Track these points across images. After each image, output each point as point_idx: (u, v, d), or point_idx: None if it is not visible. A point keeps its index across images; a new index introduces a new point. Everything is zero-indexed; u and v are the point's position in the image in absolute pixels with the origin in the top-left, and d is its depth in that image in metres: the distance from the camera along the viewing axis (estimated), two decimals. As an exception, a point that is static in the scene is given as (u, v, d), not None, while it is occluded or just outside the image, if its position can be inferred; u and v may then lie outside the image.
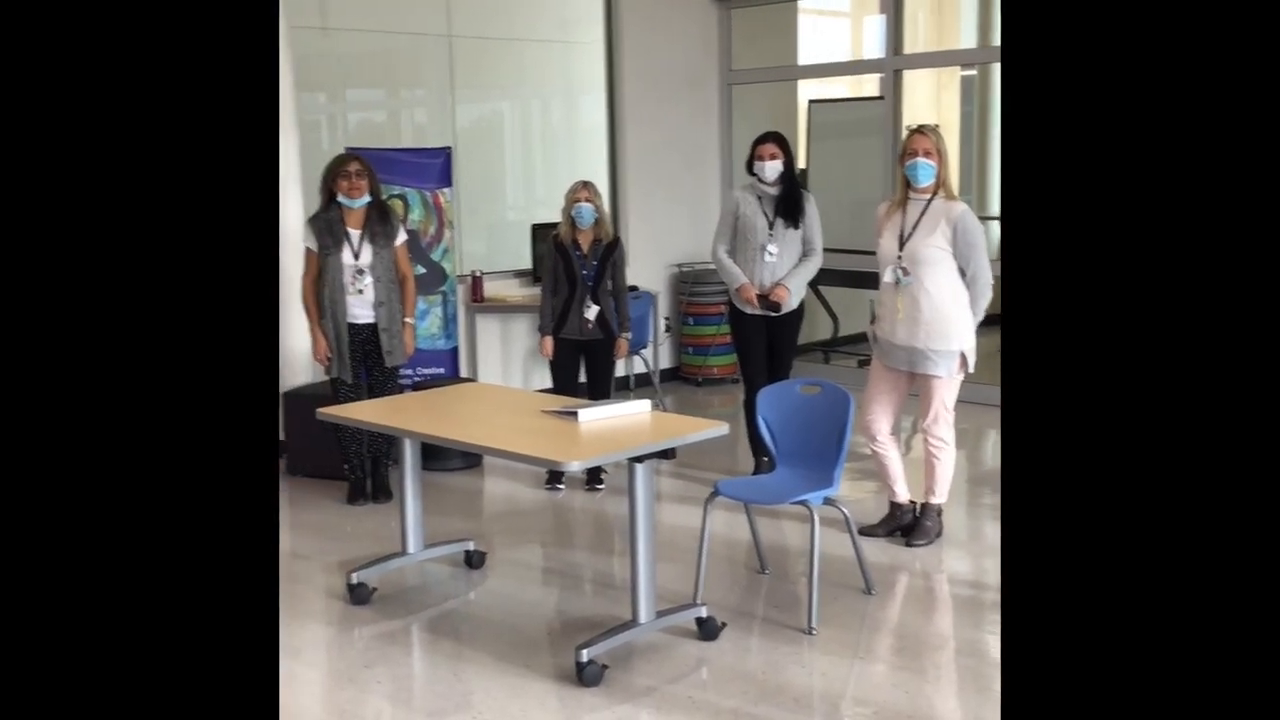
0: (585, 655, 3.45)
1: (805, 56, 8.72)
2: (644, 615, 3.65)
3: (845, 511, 4.03)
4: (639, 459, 3.56)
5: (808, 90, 8.67)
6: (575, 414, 3.86)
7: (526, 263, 7.30)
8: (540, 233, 6.89)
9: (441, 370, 6.53)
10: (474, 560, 4.53)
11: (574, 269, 5.40)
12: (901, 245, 4.42)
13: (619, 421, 3.84)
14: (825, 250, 5.46)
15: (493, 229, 7.88)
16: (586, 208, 5.35)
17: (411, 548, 4.41)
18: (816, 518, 3.84)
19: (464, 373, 6.80)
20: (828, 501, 3.92)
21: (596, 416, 3.85)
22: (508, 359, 7.35)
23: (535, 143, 8.45)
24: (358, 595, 4.18)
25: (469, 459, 5.97)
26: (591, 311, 5.41)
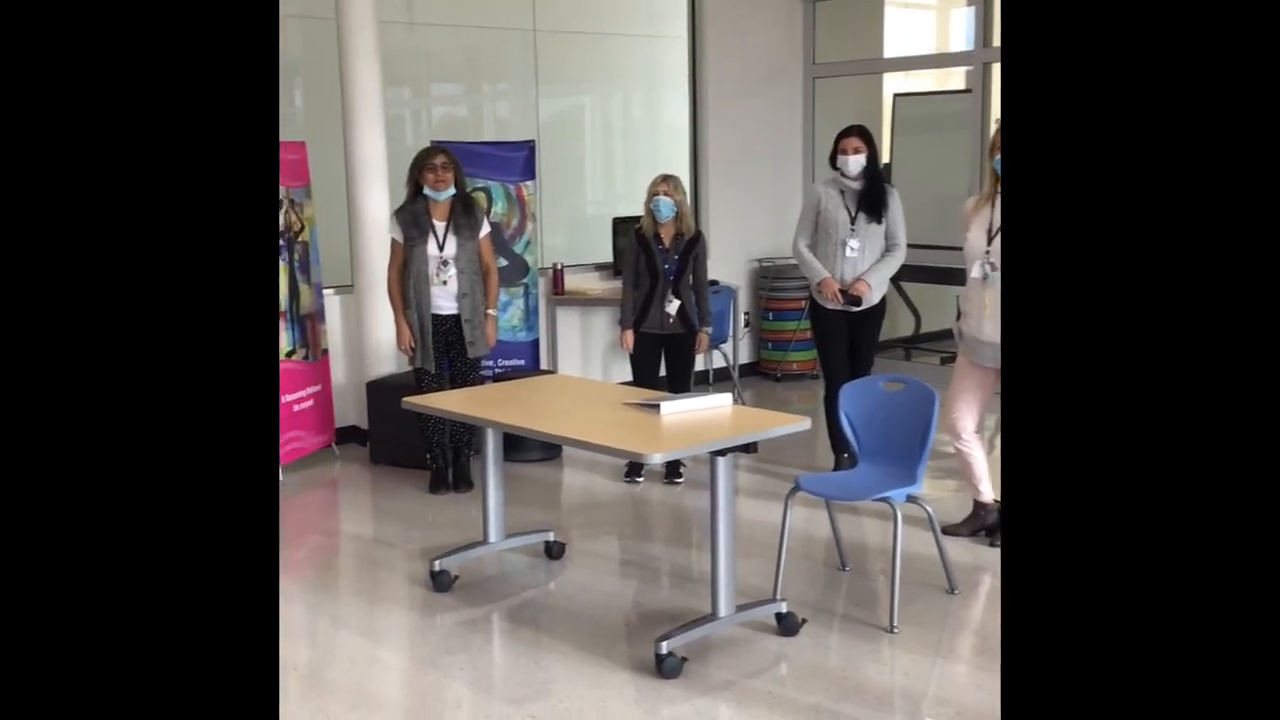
0: (665, 647, 3.46)
1: (891, 49, 8.63)
2: (724, 609, 3.65)
3: (929, 509, 3.99)
4: (720, 452, 3.56)
5: (893, 84, 8.57)
6: (657, 407, 3.86)
7: (607, 256, 7.32)
8: (621, 226, 6.92)
9: (522, 362, 6.58)
10: (554, 551, 4.56)
11: (655, 263, 5.41)
12: (990, 240, 4.36)
13: (701, 415, 3.83)
14: (908, 245, 5.40)
15: (573, 222, 7.92)
16: (665, 201, 5.35)
17: (493, 537, 4.45)
18: (899, 515, 3.80)
19: (544, 365, 6.84)
20: (910, 499, 3.88)
21: (678, 409, 3.85)
22: (587, 351, 7.39)
23: (616, 137, 8.47)
24: (440, 582, 4.23)
25: (548, 450, 6.01)
26: (672, 306, 5.41)
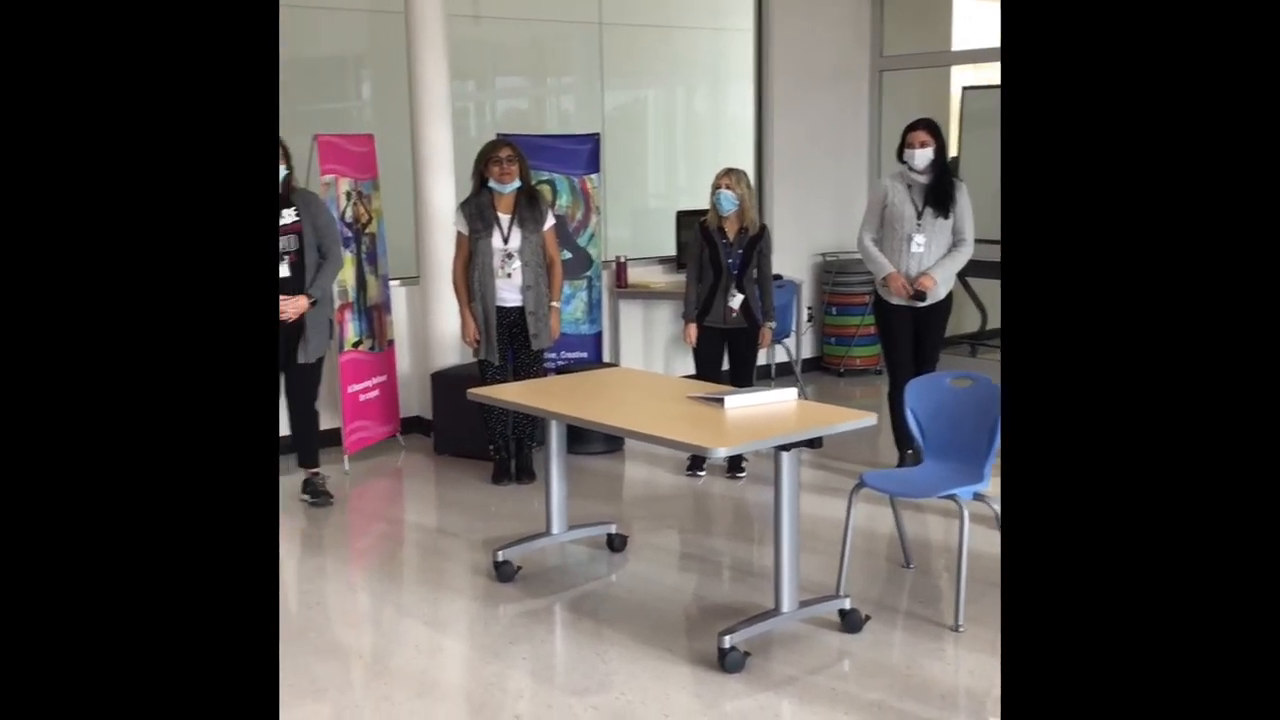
0: (728, 641, 3.46)
1: (959, 42, 8.52)
2: (786, 604, 3.63)
3: (995, 508, 3.94)
4: (786, 447, 3.54)
5: (961, 77, 8.47)
6: (721, 401, 3.85)
7: (670, 249, 7.32)
8: (685, 220, 6.91)
9: (585, 355, 6.60)
10: (615, 543, 4.57)
11: (719, 257, 5.39)
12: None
13: (765, 409, 3.82)
14: (975, 240, 5.33)
15: (636, 216, 7.93)
16: (727, 195, 5.33)
17: (555, 528, 4.47)
18: (966, 513, 3.76)
19: (606, 357, 6.86)
20: (977, 497, 3.83)
21: (743, 404, 3.84)
22: (650, 345, 7.39)
23: (679, 130, 8.46)
24: (503, 573, 4.26)
25: (610, 443, 6.03)
26: (736, 300, 5.39)
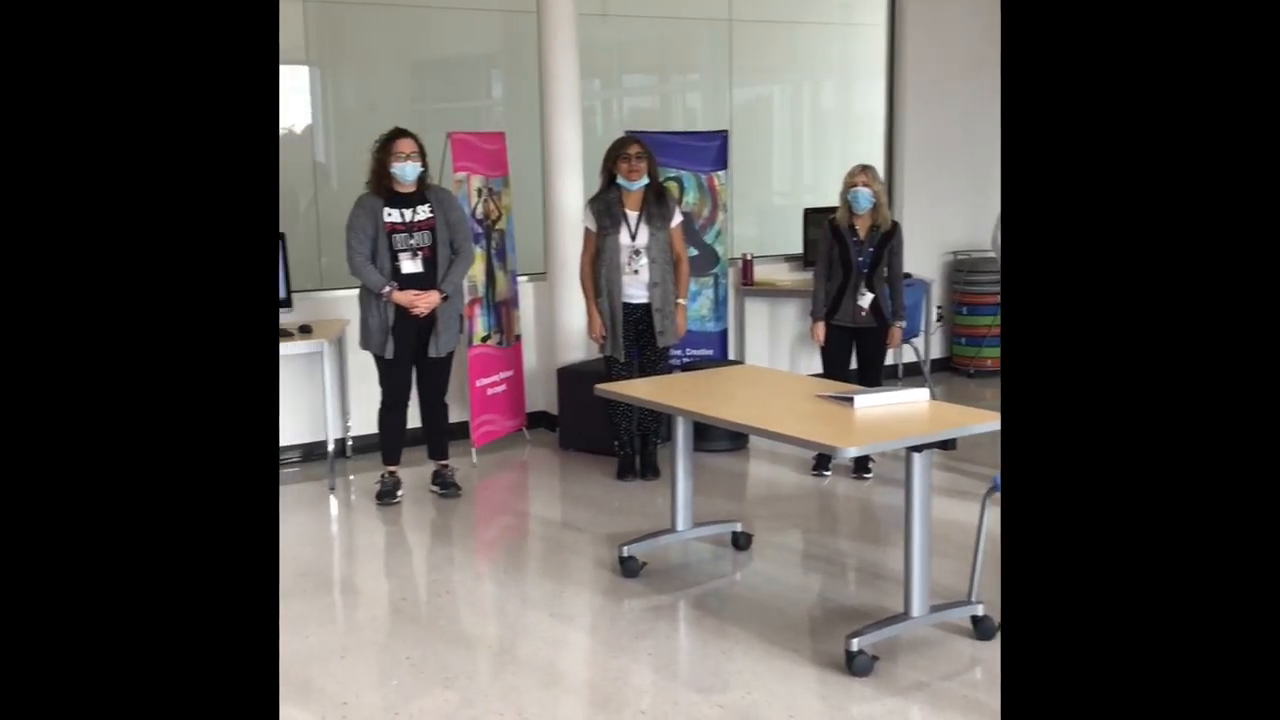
0: (855, 644, 3.40)
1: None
2: (917, 609, 3.56)
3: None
4: (918, 448, 3.47)
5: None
6: (851, 400, 3.80)
7: (796, 247, 7.25)
8: (813, 217, 6.83)
9: (710, 352, 6.59)
10: (741, 542, 4.55)
11: (849, 255, 5.32)
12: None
13: (896, 409, 3.75)
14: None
15: (761, 213, 7.88)
16: (864, 192, 5.25)
17: (680, 525, 4.47)
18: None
19: (731, 355, 6.83)
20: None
21: (873, 403, 3.78)
22: (775, 342, 7.34)
23: (805, 127, 8.37)
24: (628, 568, 4.27)
25: (735, 440, 6.00)
26: (865, 299, 5.31)
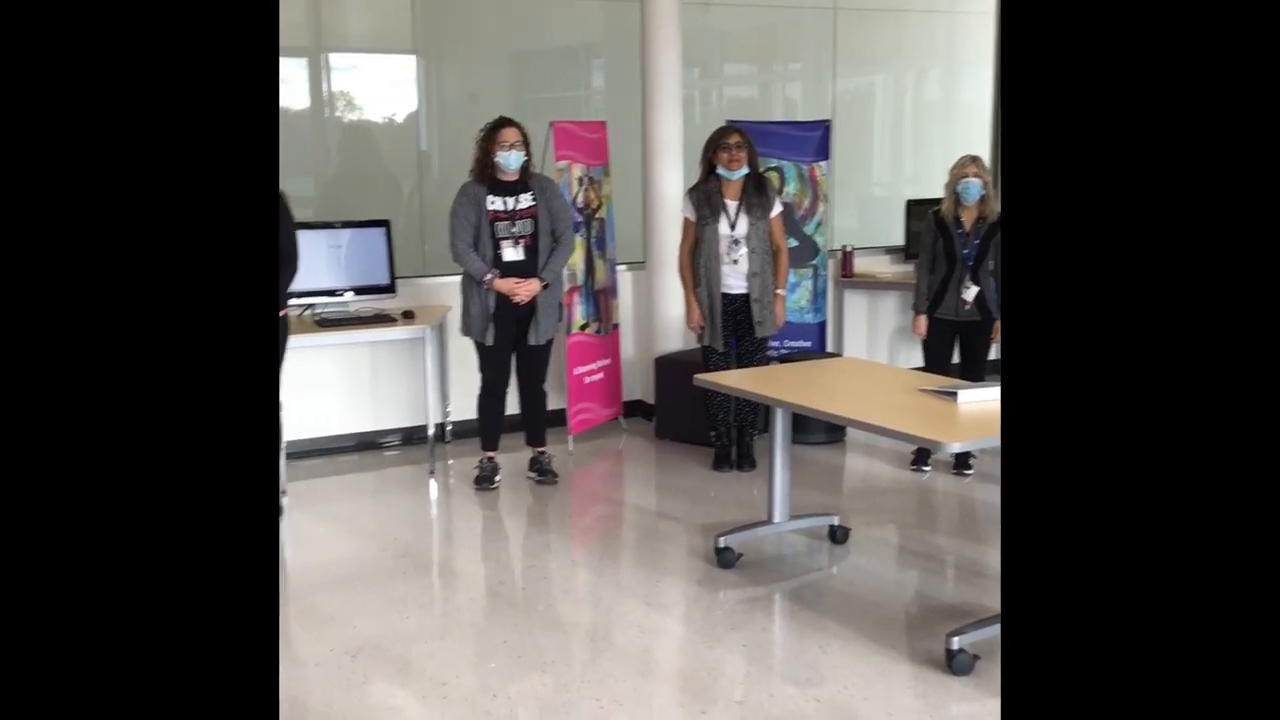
0: (956, 643, 3.35)
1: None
2: (1018, 609, 3.49)
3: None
4: (1023, 445, 3.39)
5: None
6: (954, 394, 3.73)
7: (897, 239, 7.15)
8: (916, 209, 6.73)
9: (808, 344, 6.54)
10: (838, 535, 4.51)
11: (954, 247, 5.23)
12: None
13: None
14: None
15: (862, 204, 7.78)
16: (974, 183, 5.15)
17: (777, 517, 4.44)
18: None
19: (829, 347, 6.77)
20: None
21: (978, 399, 3.71)
22: (874, 335, 7.25)
23: (908, 118, 8.25)
24: (724, 559, 4.27)
25: (832, 433, 5.95)
26: (970, 292, 5.22)
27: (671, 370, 6.01)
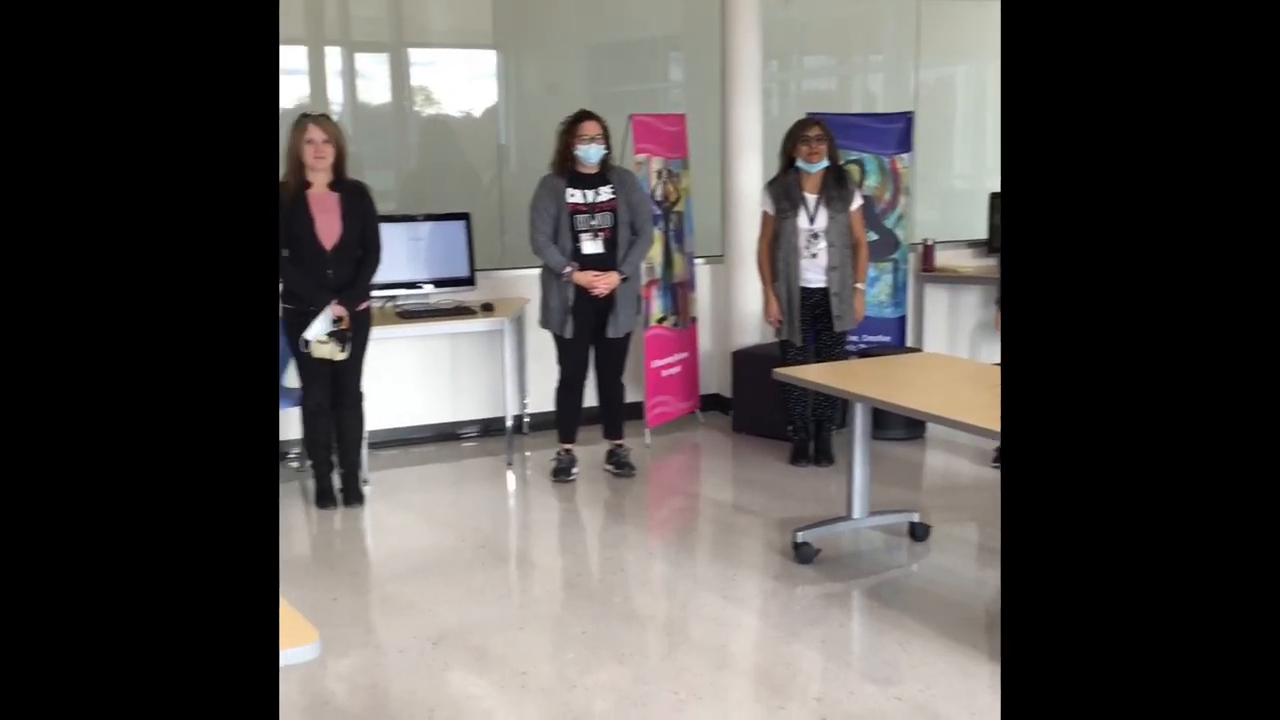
0: (1040, 643, 3.29)
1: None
2: (1105, 610, 3.42)
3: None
4: (1111, 443, 3.32)
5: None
6: (1040, 391, 3.66)
7: (979, 233, 7.04)
8: (999, 202, 6.62)
9: (887, 338, 6.46)
10: (918, 532, 4.46)
11: (1038, 240, 5.13)
12: None
13: (1088, 402, 3.60)
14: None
15: (944, 197, 7.68)
16: (1057, 175, 5.05)
17: (856, 513, 4.40)
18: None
19: (909, 342, 6.69)
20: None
21: (1064, 395, 3.64)
22: (955, 330, 7.14)
23: (990, 109, 8.11)
24: (802, 554, 4.24)
25: (911, 429, 5.88)
26: (1054, 285, 5.12)
27: (749, 364, 5.98)
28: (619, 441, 5.44)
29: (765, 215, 5.36)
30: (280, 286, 4.77)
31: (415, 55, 6.55)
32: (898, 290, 6.50)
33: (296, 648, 1.95)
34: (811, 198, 5.23)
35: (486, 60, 6.58)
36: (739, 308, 6.24)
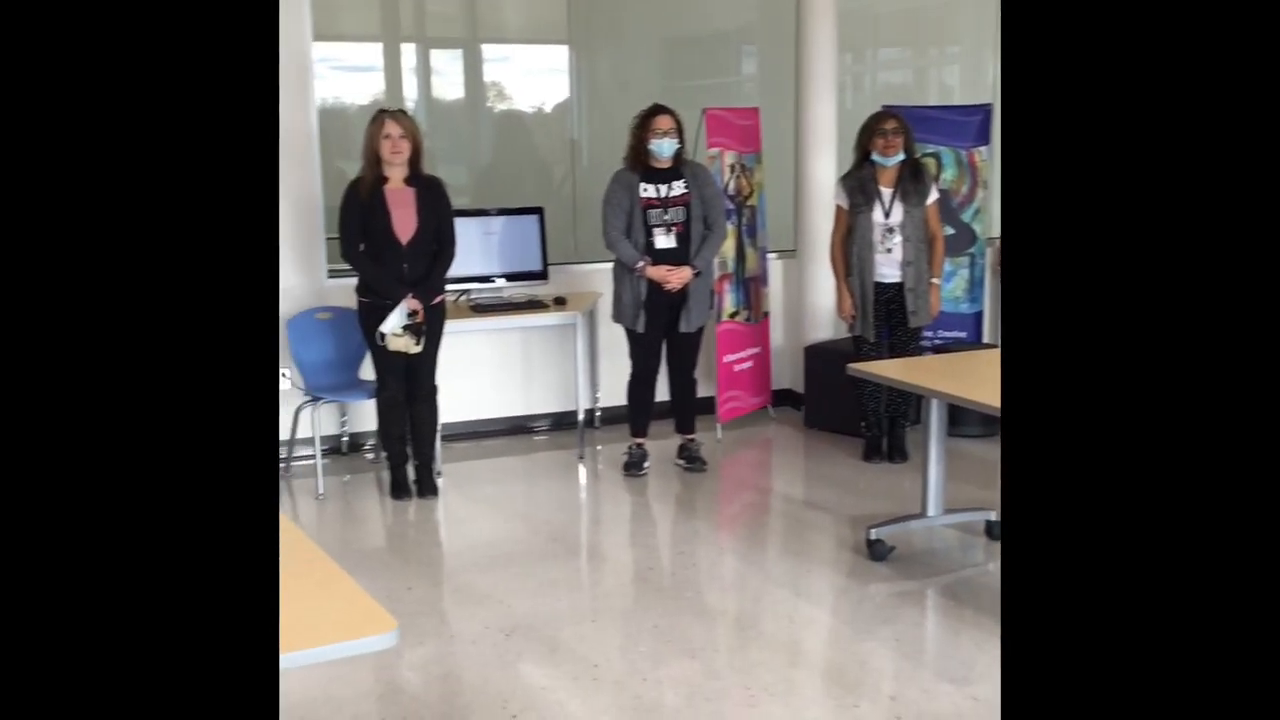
0: (1121, 645, 3.23)
1: None
2: (1189, 613, 3.34)
3: None
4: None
5: None
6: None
7: (1058, 227, 6.91)
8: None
9: (963, 335, 6.38)
10: (994, 531, 4.39)
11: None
12: None
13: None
14: None
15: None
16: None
17: (931, 510, 4.35)
18: None
19: (986, 338, 6.59)
20: None
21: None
22: (1031, 327, 7.02)
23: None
24: (875, 551, 4.20)
25: (987, 426, 5.79)
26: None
27: (821, 359, 5.94)
28: (690, 436, 5.44)
29: (839, 209, 5.31)
30: (357, 280, 4.84)
31: (488, 51, 6.60)
32: (974, 285, 6.40)
33: (375, 636, 1.97)
34: (887, 191, 5.17)
35: (558, 55, 6.60)
36: (812, 303, 6.19)
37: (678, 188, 5.06)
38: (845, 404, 5.62)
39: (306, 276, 5.51)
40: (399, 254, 4.72)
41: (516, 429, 6.09)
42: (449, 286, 5.09)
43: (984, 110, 6.30)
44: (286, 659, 1.91)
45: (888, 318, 5.29)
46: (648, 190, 5.04)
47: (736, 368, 6.02)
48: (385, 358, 4.79)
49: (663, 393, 5.40)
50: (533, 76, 6.69)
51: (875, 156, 5.17)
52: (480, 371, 5.95)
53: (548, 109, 6.61)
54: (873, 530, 4.24)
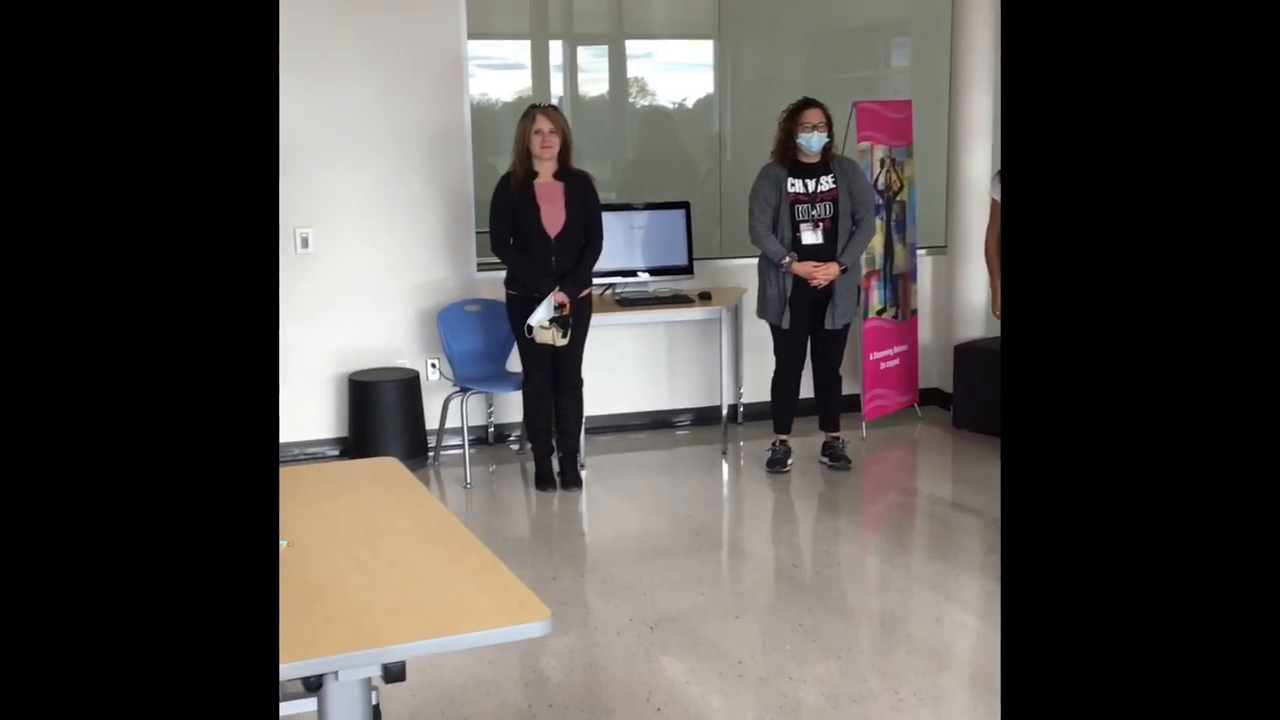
0: None
1: None
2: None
3: None
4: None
5: None
6: None
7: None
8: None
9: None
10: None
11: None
12: None
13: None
14: None
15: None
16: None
17: (1087, 516, 4.20)
18: None
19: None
20: None
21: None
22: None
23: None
24: (1028, 556, 4.08)
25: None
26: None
27: (972, 358, 5.79)
28: (835, 434, 5.37)
29: (994, 204, 5.16)
30: (506, 273, 4.93)
31: (632, 47, 6.63)
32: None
33: (529, 623, 1.99)
34: (1043, 186, 5.00)
35: (704, 50, 6.59)
36: (962, 300, 6.05)
37: (826, 183, 4.99)
38: (996, 404, 5.46)
39: (457, 270, 5.62)
40: (548, 248, 4.78)
41: (659, 423, 6.11)
42: (595, 280, 5.13)
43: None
44: (445, 642, 1.96)
45: (1042, 316, 5.12)
46: (795, 185, 4.99)
47: (883, 365, 5.91)
48: (532, 350, 4.86)
49: (807, 390, 5.34)
50: (676, 71, 6.69)
51: (1032, 150, 5.01)
52: (624, 365, 5.99)
53: (690, 104, 6.61)
54: (1025, 535, 4.11)
